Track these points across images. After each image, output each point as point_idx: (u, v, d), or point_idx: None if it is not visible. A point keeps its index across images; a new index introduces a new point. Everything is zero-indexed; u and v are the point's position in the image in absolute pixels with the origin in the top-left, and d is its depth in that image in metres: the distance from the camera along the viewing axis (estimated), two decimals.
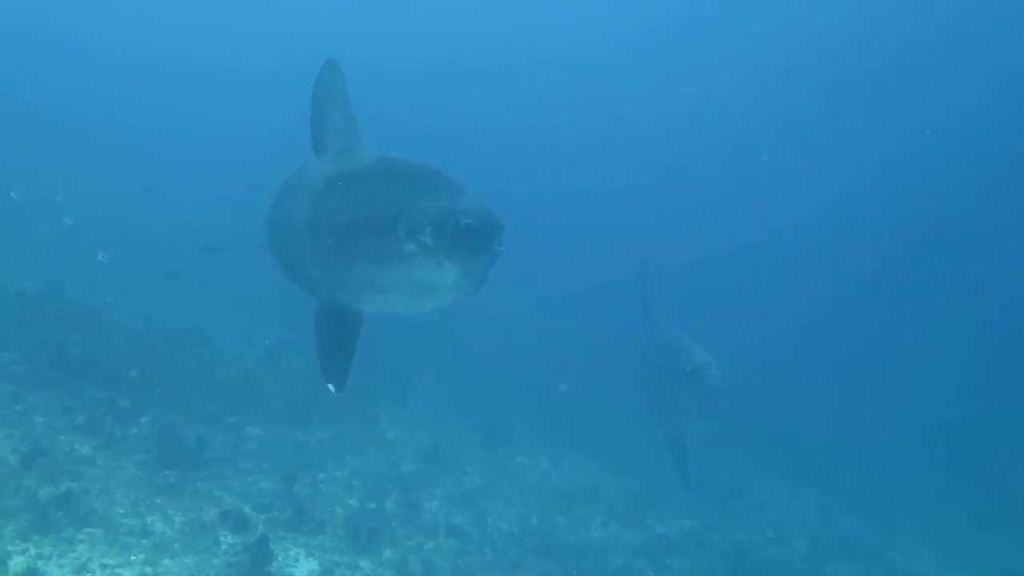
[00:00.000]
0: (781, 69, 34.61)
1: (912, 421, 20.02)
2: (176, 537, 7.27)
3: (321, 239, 3.91)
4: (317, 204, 3.98)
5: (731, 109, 36.98)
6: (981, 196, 30.84)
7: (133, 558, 6.70)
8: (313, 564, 7.64)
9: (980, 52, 28.30)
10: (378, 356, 16.08)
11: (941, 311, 30.22)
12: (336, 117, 4.20)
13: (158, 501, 7.84)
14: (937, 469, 17.01)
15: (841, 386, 21.13)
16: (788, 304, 28.61)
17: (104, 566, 6.45)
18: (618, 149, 38.40)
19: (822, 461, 16.39)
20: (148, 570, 6.57)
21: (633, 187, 36.74)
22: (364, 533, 8.37)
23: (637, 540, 11.01)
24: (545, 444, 14.44)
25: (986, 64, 28.34)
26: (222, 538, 7.47)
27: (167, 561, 6.82)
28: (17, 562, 6.10)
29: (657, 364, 9.45)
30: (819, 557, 11.74)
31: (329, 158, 4.20)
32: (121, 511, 7.45)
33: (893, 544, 13.27)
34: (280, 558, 7.49)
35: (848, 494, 15.46)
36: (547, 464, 13.53)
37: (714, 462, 14.57)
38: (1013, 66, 27.53)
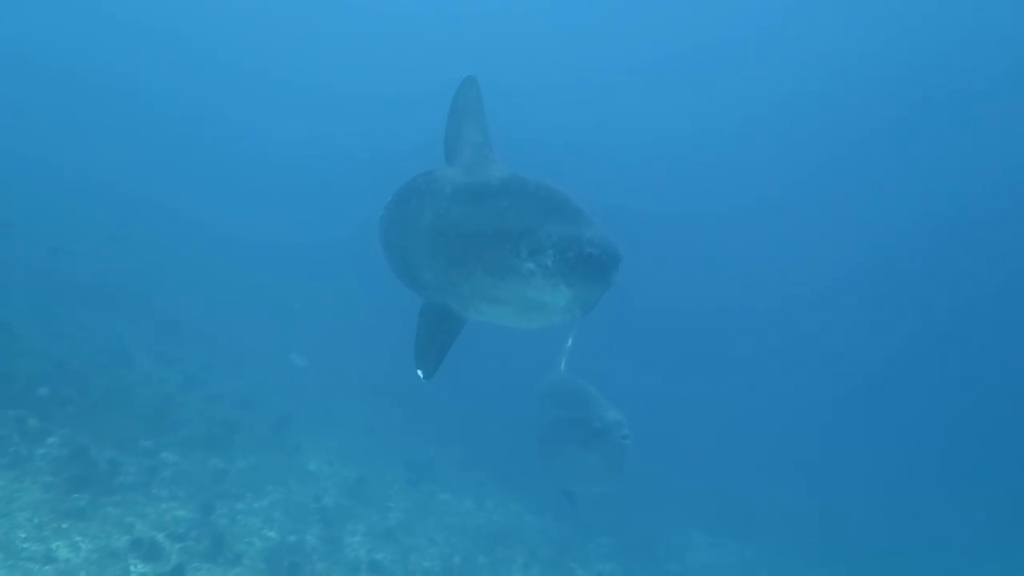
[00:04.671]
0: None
1: (832, 476, 20.45)
2: (82, 564, 6.88)
3: (442, 245, 4.00)
4: (443, 210, 4.05)
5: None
6: None
7: None
8: None
9: None
10: (303, 385, 15.80)
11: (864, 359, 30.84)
12: (472, 129, 4.30)
13: (64, 526, 7.42)
14: (855, 526, 17.37)
15: (765, 439, 21.48)
16: (731, 352, 28.79)
17: None
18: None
19: (742, 513, 16.62)
20: None
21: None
22: (284, 567, 8.08)
23: None
24: (470, 482, 14.27)
25: None
26: (132, 567, 7.10)
27: None
28: None
29: (556, 414, 8.60)
30: None
31: (460, 168, 4.24)
32: (23, 535, 7.01)
33: None
34: None
35: (765, 546, 15.69)
36: (471, 502, 13.35)
37: (634, 509, 14.65)
38: None
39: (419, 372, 4.04)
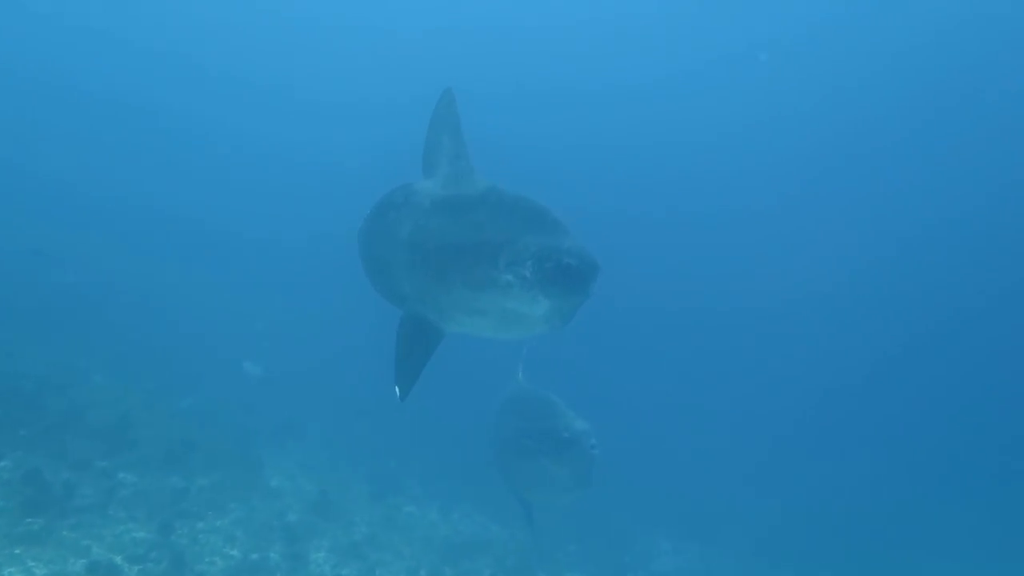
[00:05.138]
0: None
1: (796, 479, 20.66)
2: None
3: (421, 258, 3.99)
4: (421, 223, 4.05)
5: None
6: None
7: None
8: None
9: None
10: (264, 399, 15.59)
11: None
12: (449, 142, 4.31)
13: (17, 551, 7.23)
14: (819, 529, 17.56)
15: (730, 443, 21.64)
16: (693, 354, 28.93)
17: None
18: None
19: (707, 518, 16.74)
20: None
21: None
22: None
23: None
24: (435, 494, 14.19)
25: None
26: None
27: None
28: None
29: (520, 425, 8.29)
30: None
31: (438, 180, 4.24)
32: None
33: None
34: None
35: (730, 550, 15.82)
36: (436, 515, 13.28)
37: (600, 517, 14.69)
38: None
39: (396, 389, 3.98)
